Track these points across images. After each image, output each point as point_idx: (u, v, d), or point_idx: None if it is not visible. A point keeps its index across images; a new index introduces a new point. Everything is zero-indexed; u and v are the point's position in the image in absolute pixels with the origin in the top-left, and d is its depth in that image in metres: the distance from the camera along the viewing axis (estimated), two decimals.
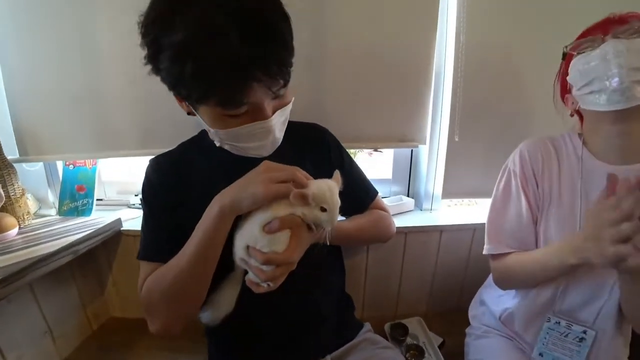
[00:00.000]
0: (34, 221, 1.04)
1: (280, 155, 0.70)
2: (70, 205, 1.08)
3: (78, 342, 1.04)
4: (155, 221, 0.71)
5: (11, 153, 1.01)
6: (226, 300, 0.64)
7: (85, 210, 1.07)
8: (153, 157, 0.75)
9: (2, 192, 0.92)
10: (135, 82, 0.95)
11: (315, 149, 0.80)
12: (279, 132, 0.67)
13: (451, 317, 1.08)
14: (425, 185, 1.12)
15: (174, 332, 0.66)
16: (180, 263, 0.60)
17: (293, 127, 0.74)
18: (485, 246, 0.79)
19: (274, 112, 0.62)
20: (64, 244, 0.87)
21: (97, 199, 1.15)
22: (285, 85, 0.59)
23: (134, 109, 0.99)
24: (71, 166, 1.10)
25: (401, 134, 1.04)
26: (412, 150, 1.14)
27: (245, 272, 0.62)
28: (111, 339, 1.06)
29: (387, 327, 1.04)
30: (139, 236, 0.86)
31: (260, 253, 0.56)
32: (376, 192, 0.88)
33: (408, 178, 1.17)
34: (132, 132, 1.01)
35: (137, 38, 0.57)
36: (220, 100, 0.56)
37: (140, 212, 1.10)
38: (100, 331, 1.10)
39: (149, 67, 0.58)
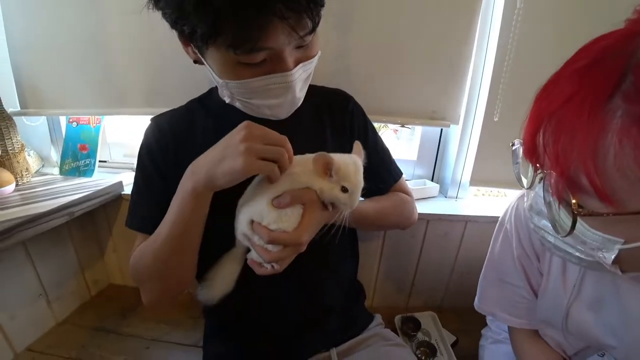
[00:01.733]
0: (33, 179, 0.99)
1: (298, 119, 0.61)
2: (72, 164, 1.03)
3: (74, 307, 1.01)
4: (148, 188, 0.63)
5: (12, 106, 0.95)
6: (224, 279, 0.56)
7: (87, 171, 1.02)
8: (153, 116, 0.67)
9: (6, 139, 0.87)
10: (142, 35, 0.86)
11: (338, 116, 0.70)
12: (300, 91, 0.57)
13: (467, 316, 0.98)
14: (453, 170, 1.00)
15: (162, 306, 0.63)
16: (158, 240, 0.54)
17: (314, 90, 0.64)
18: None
19: (296, 65, 0.52)
20: (59, 204, 0.82)
21: (101, 161, 1.10)
22: (313, 29, 0.49)
23: (139, 64, 0.91)
24: (74, 124, 1.03)
25: (431, 110, 0.93)
26: (441, 130, 1.02)
27: (248, 250, 0.55)
28: (109, 306, 1.03)
29: (397, 319, 0.96)
30: None
31: (266, 230, 0.48)
32: (401, 173, 0.78)
33: (434, 161, 1.06)
34: (137, 89, 0.93)
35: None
36: (231, 39, 0.45)
37: None
38: (98, 297, 1.07)
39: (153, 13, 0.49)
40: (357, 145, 0.55)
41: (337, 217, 0.53)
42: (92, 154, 1.03)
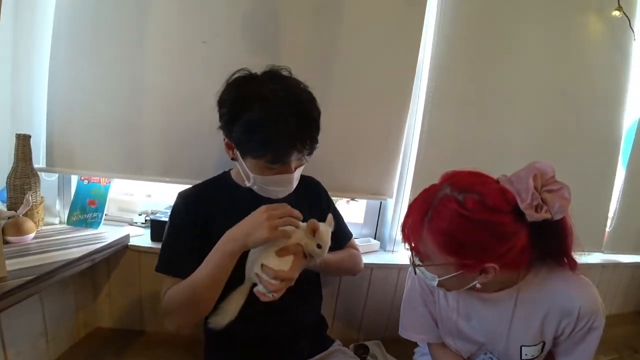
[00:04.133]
0: (43, 227, 1.12)
1: (287, 199, 0.91)
2: (80, 216, 1.18)
3: (66, 347, 1.09)
4: (179, 243, 0.89)
5: (37, 162, 1.11)
6: (233, 308, 0.80)
7: (93, 223, 1.18)
8: (182, 190, 0.95)
9: (30, 199, 1.02)
10: (169, 117, 1.15)
11: (311, 195, 1.05)
12: (295, 182, 0.93)
13: (405, 343, 1.30)
14: (389, 231, 1.40)
15: (186, 332, 0.93)
16: (196, 282, 0.78)
17: (300, 181, 1.00)
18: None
19: (295, 169, 0.88)
20: (85, 252, 0.97)
21: None
22: (310, 154, 0.87)
23: (162, 140, 1.16)
24: (86, 181, 1.21)
25: (375, 188, 1.32)
26: (380, 202, 1.43)
27: (253, 286, 0.80)
28: (97, 348, 1.12)
29: (351, 347, 1.24)
30: (143, 252, 1.07)
31: (272, 270, 0.76)
32: (351, 235, 1.13)
33: (376, 223, 1.44)
34: (157, 160, 1.17)
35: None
36: (272, 159, 0.81)
37: (142, 231, 1.24)
38: (86, 339, 1.15)
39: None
40: (329, 218, 0.84)
41: (311, 263, 0.83)
42: (100, 208, 1.19)
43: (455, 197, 0.70)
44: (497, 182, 0.75)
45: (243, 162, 0.87)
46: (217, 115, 0.87)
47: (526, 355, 0.84)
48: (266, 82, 0.82)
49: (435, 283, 0.77)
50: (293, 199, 0.95)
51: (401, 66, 1.27)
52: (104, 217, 1.20)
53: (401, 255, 1.40)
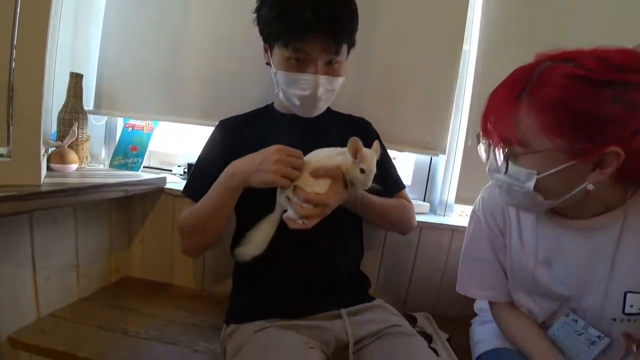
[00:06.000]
0: (87, 166, 1.14)
1: (328, 128, 0.87)
2: (122, 161, 1.19)
3: (96, 288, 1.07)
4: (205, 168, 0.85)
5: (87, 105, 1.15)
6: (261, 239, 0.72)
7: (134, 167, 1.18)
8: (222, 119, 0.93)
9: (77, 130, 1.04)
10: (209, 63, 1.15)
11: (359, 132, 0.91)
12: (324, 96, 0.82)
13: (458, 318, 1.10)
14: (440, 193, 1.24)
15: (196, 255, 0.96)
16: (200, 211, 0.77)
17: (342, 117, 0.95)
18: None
19: (322, 74, 0.79)
20: (117, 181, 0.97)
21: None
22: (336, 52, 0.78)
23: (202, 86, 1.16)
24: (130, 128, 1.23)
25: (425, 141, 1.18)
26: (431, 158, 1.28)
27: (283, 213, 0.70)
28: (128, 293, 1.09)
29: None
30: (177, 197, 1.06)
31: (304, 191, 0.67)
32: (404, 186, 0.99)
33: (425, 185, 1.29)
34: (198, 104, 1.17)
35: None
36: (286, 39, 0.75)
37: (180, 180, 1.22)
38: (116, 285, 1.13)
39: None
40: (376, 144, 0.73)
41: (353, 194, 0.72)
42: (141, 154, 1.20)
43: (565, 64, 0.55)
44: None
45: (271, 61, 0.82)
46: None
47: (632, 306, 0.63)
48: None
49: (532, 184, 0.58)
50: (335, 132, 0.87)
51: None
52: (144, 162, 1.20)
53: (454, 218, 1.23)
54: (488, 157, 0.65)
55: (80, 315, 0.92)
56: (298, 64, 0.78)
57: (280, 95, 0.86)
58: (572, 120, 0.53)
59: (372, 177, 0.69)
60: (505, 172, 0.61)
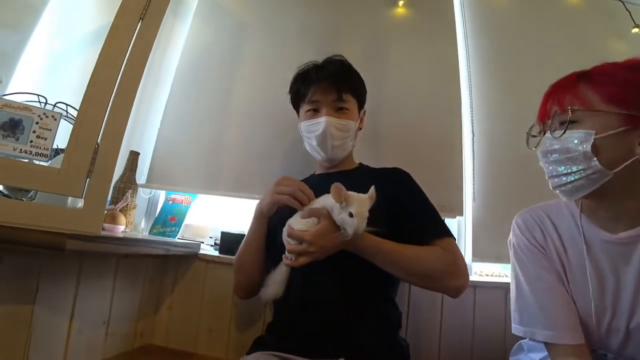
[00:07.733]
0: (130, 231, 1.25)
1: (358, 188, 0.76)
2: (160, 229, 1.30)
3: (119, 351, 1.05)
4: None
5: (139, 179, 1.33)
6: (277, 280, 0.79)
7: (171, 235, 1.29)
8: None
9: (129, 197, 1.19)
10: (250, 140, 1.38)
11: (388, 183, 0.91)
12: (336, 135, 0.94)
13: None
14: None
15: (241, 294, 0.99)
16: (242, 244, 0.95)
17: (374, 170, 1.03)
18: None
19: (328, 115, 0.95)
20: (160, 239, 1.07)
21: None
22: (339, 97, 0.95)
23: (239, 161, 1.37)
24: (171, 201, 1.38)
25: (440, 205, 1.25)
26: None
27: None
28: None
29: None
30: (211, 262, 1.19)
31: (290, 228, 0.77)
32: (444, 233, 0.85)
33: None
34: (233, 177, 1.35)
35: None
36: (298, 90, 1.01)
37: (212, 250, 1.31)
38: (138, 351, 1.10)
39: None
40: (372, 190, 0.73)
41: (345, 236, 0.70)
42: (179, 224, 1.32)
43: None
44: None
45: (300, 122, 1.04)
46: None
47: None
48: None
49: (589, 145, 0.62)
50: (366, 189, 0.76)
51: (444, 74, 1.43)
52: (180, 231, 1.31)
53: (473, 278, 1.24)
54: (538, 144, 0.71)
55: None
56: (313, 113, 0.98)
57: (306, 146, 1.03)
58: (631, 92, 0.62)
59: (364, 220, 0.69)
60: (563, 134, 0.65)
